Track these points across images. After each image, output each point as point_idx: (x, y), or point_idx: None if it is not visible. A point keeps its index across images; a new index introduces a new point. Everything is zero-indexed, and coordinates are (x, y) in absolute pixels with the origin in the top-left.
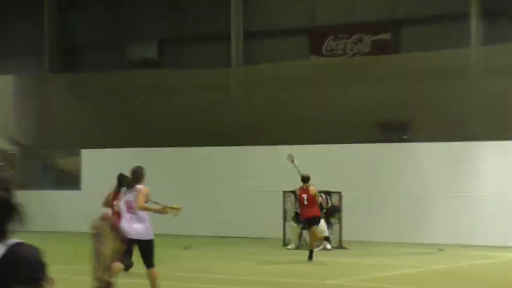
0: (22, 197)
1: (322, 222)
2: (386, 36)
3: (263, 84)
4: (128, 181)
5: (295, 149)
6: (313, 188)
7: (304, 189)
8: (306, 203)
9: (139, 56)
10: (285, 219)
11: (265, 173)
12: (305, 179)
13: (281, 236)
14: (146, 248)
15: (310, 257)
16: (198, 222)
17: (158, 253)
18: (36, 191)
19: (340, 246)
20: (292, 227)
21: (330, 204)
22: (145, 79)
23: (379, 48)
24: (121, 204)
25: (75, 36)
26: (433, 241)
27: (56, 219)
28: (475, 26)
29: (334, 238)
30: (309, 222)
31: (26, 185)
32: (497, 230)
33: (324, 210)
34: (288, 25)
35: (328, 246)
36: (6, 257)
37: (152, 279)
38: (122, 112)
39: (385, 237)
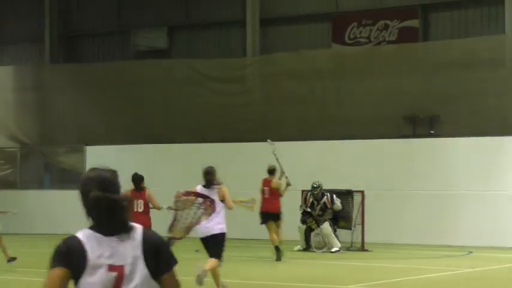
0: (22, 197)
1: (327, 224)
2: (414, 22)
3: (281, 75)
4: (211, 181)
5: (316, 145)
6: (276, 182)
7: (267, 182)
8: (266, 196)
9: (148, 44)
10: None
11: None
12: (270, 171)
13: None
14: (219, 240)
15: (278, 256)
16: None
17: None
18: (37, 190)
19: (362, 248)
20: (299, 228)
21: (337, 206)
22: (154, 70)
23: (407, 36)
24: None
25: (78, 23)
26: (461, 243)
27: (59, 220)
28: (509, 11)
29: (356, 240)
30: (268, 217)
31: (26, 185)
32: None
33: (329, 211)
34: (307, 11)
35: (335, 248)
36: (146, 237)
37: (212, 266)
38: (129, 105)
39: (411, 239)
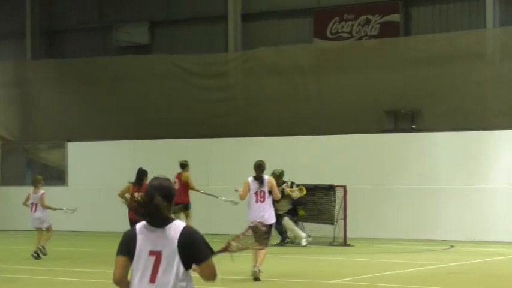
0: (4, 193)
1: (286, 219)
2: (395, 17)
3: (262, 70)
4: (262, 173)
5: (297, 140)
6: (185, 175)
7: (179, 175)
8: (177, 187)
9: (129, 40)
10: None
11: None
12: (182, 166)
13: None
14: (269, 230)
15: None
16: (194, 219)
17: None
18: (19, 187)
19: (344, 243)
20: None
21: (295, 193)
22: (136, 65)
23: (388, 31)
24: (251, 194)
25: (59, 19)
26: (443, 237)
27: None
28: (490, 5)
29: (339, 235)
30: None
31: (9, 181)
32: None
33: (287, 200)
34: (289, 6)
35: (303, 242)
36: (184, 233)
37: (261, 255)
38: (111, 101)
39: (393, 233)
